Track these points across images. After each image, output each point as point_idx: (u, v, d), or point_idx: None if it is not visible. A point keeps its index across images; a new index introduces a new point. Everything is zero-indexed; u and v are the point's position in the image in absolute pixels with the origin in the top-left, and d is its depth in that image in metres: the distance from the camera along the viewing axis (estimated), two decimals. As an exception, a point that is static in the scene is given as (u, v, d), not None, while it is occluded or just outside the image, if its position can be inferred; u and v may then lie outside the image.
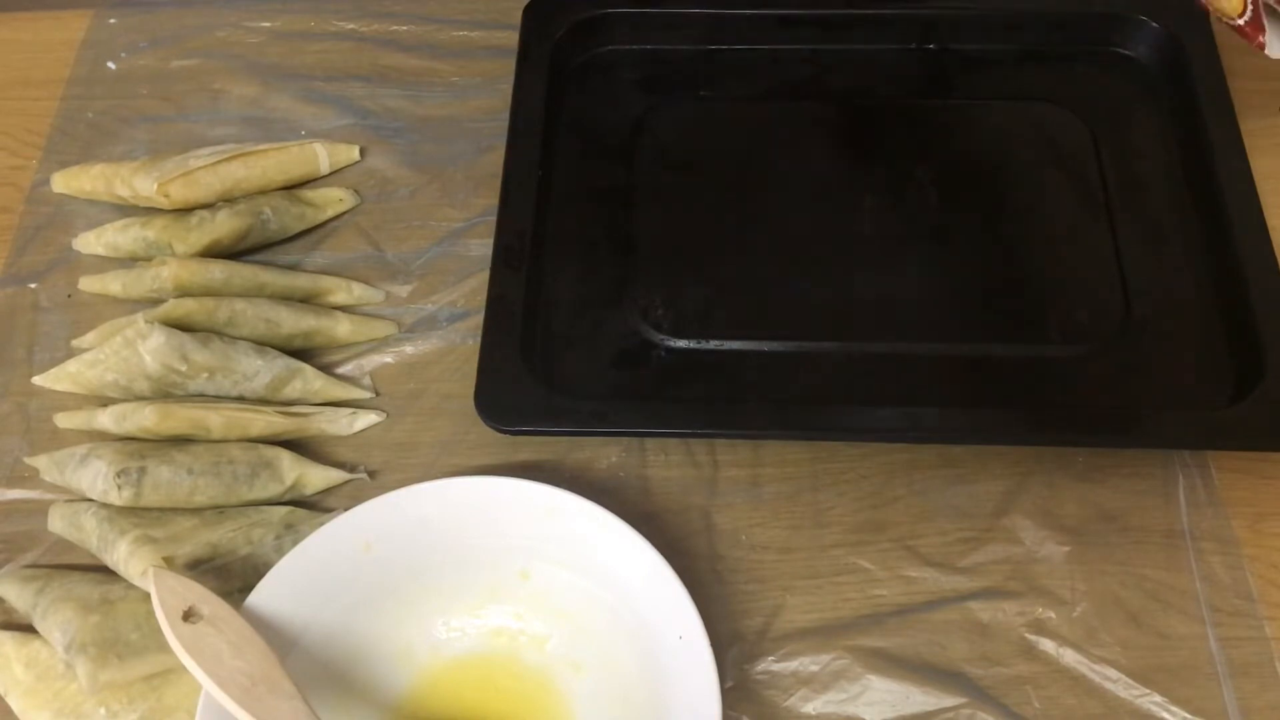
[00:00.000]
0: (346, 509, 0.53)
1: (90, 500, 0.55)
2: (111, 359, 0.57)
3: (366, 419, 0.59)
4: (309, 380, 0.59)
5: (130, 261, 0.64)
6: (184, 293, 0.60)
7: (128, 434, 0.57)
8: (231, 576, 0.53)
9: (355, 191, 0.67)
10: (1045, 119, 0.67)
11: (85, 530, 0.54)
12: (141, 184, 0.63)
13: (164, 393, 0.58)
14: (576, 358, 0.59)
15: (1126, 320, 0.59)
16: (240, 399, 0.58)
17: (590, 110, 0.69)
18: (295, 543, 0.52)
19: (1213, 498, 0.55)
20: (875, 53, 0.70)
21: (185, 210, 0.63)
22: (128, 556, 0.52)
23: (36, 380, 0.60)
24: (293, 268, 0.64)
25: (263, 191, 0.65)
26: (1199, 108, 0.64)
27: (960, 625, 0.52)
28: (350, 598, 0.52)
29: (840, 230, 0.63)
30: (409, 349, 0.62)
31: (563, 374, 0.58)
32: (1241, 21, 0.56)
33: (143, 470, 0.54)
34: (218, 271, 0.61)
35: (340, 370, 0.61)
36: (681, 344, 0.59)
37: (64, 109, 0.71)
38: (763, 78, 0.70)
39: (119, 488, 0.53)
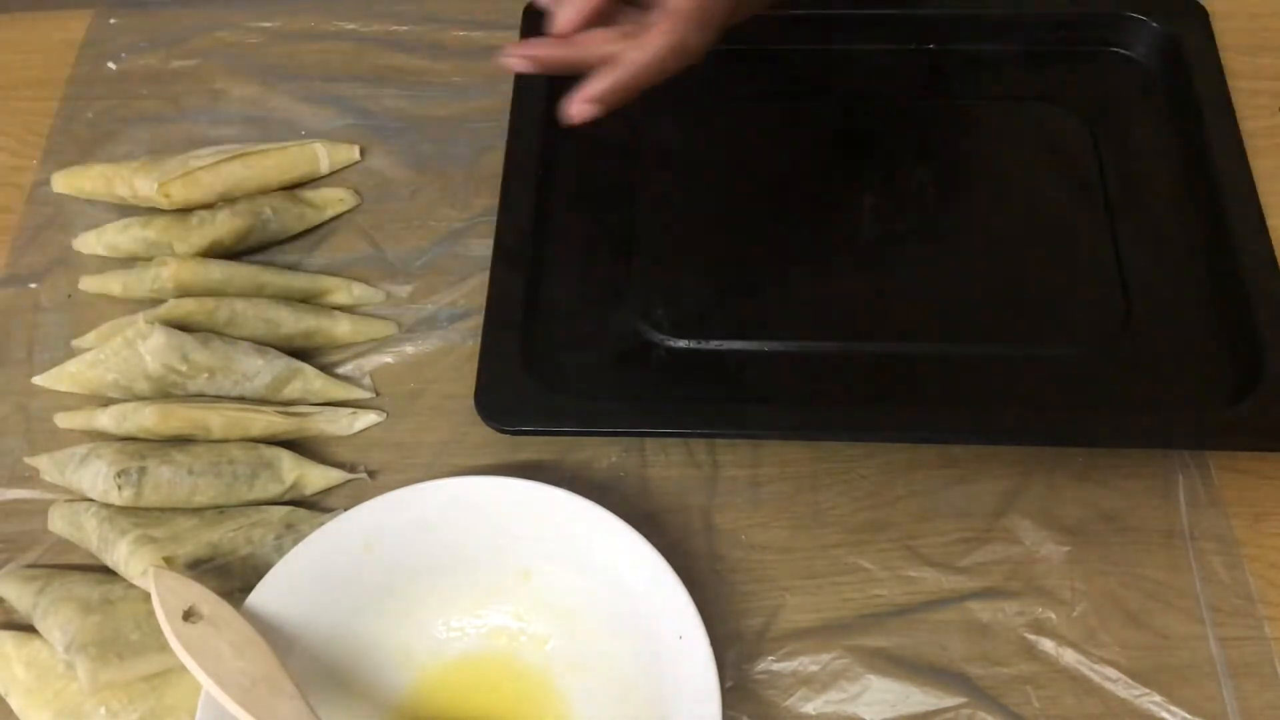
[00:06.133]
0: (346, 509, 0.53)
1: (90, 500, 0.55)
2: (112, 359, 0.57)
3: (366, 419, 0.59)
4: (309, 380, 0.59)
5: (130, 261, 0.64)
6: (184, 293, 0.60)
7: (128, 434, 0.57)
8: (231, 576, 0.53)
9: (355, 191, 0.67)
10: (1045, 119, 0.67)
11: (85, 530, 0.54)
12: (142, 184, 0.63)
13: (164, 393, 0.58)
14: (577, 358, 0.59)
15: (1126, 320, 0.59)
16: (240, 399, 0.58)
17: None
18: (295, 543, 0.52)
19: (1212, 497, 0.55)
20: (875, 53, 0.70)
21: (185, 210, 0.63)
22: (128, 556, 0.52)
23: (36, 380, 0.60)
24: (293, 268, 0.64)
25: (263, 191, 0.65)
26: (1199, 108, 0.64)
27: (960, 625, 0.52)
28: (350, 598, 0.52)
29: (840, 230, 0.63)
30: (409, 349, 0.62)
31: (563, 374, 0.58)
32: None
33: (143, 470, 0.54)
34: (218, 272, 0.61)
35: (340, 370, 0.61)
36: (681, 344, 0.59)
37: (64, 109, 0.71)
38: (763, 78, 0.70)
39: (119, 488, 0.53)
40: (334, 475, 0.57)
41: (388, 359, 0.61)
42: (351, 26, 0.74)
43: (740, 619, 0.53)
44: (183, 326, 0.57)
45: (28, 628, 0.53)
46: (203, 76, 0.72)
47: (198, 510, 0.55)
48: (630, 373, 0.59)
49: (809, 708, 0.51)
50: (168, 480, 0.54)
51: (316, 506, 0.57)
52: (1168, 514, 0.55)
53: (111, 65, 0.73)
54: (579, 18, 0.52)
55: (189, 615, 0.48)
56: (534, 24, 0.69)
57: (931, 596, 0.53)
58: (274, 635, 0.49)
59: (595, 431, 0.57)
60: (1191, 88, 0.65)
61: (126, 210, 0.65)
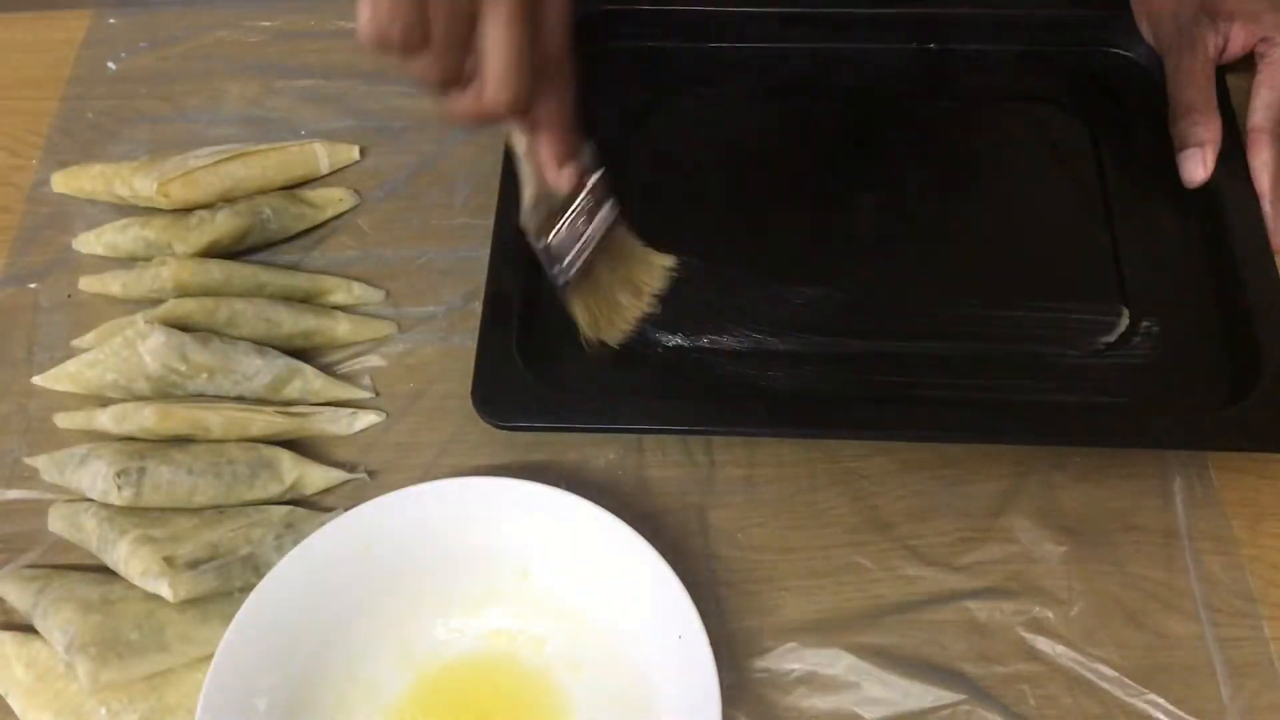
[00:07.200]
0: (346, 509, 0.53)
1: (90, 500, 0.55)
2: (111, 359, 0.57)
3: (366, 419, 0.59)
4: (309, 380, 0.59)
5: (130, 261, 0.64)
6: (184, 293, 0.60)
7: (128, 434, 0.57)
8: (231, 576, 0.53)
9: (355, 191, 0.67)
10: (1045, 119, 0.67)
11: (85, 530, 0.54)
12: (141, 184, 0.63)
13: (164, 393, 0.58)
14: (575, 355, 0.59)
15: (1126, 320, 0.59)
16: (240, 399, 0.58)
17: (590, 109, 0.68)
18: (295, 543, 0.52)
19: (1211, 498, 0.55)
20: (875, 52, 0.70)
21: (185, 210, 0.64)
22: (128, 556, 0.52)
23: (36, 380, 0.60)
24: (293, 268, 0.64)
25: (263, 191, 0.65)
26: (1198, 107, 0.64)
27: (958, 624, 0.53)
28: (350, 598, 0.52)
29: (839, 230, 0.63)
30: (409, 349, 0.62)
31: (561, 371, 0.58)
32: None
33: (143, 470, 0.54)
34: (217, 271, 0.61)
35: (340, 370, 0.61)
36: (679, 341, 0.59)
37: (64, 109, 0.71)
38: (763, 77, 0.70)
39: (119, 488, 0.54)
40: (334, 475, 0.57)
41: (388, 359, 0.61)
42: (351, 26, 0.74)
43: (739, 618, 0.53)
44: (182, 326, 0.57)
45: (28, 628, 0.53)
46: (203, 76, 0.72)
47: (198, 510, 0.55)
48: (629, 370, 0.59)
49: (808, 706, 0.51)
50: (167, 480, 0.54)
51: (316, 506, 0.57)
52: (1166, 514, 0.55)
53: (111, 65, 0.73)
54: None
55: None
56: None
57: (930, 596, 0.53)
58: (274, 635, 0.50)
59: (593, 428, 0.57)
60: (1191, 87, 0.65)
61: (126, 210, 0.65)
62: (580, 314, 0.56)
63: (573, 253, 0.54)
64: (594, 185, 0.54)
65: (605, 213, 0.55)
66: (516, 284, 0.60)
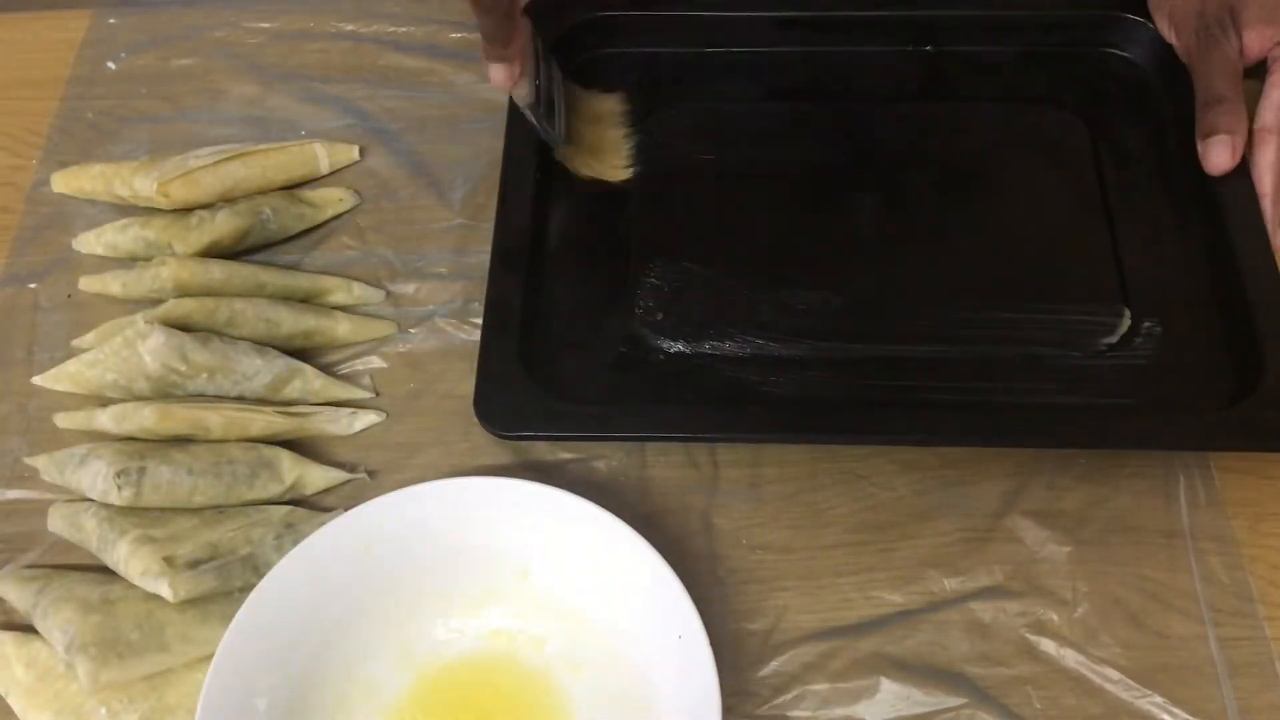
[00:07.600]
0: (346, 509, 0.53)
1: (90, 500, 0.55)
2: (111, 359, 0.57)
3: (366, 419, 0.59)
4: (309, 380, 0.59)
5: (130, 261, 0.64)
6: (184, 293, 0.60)
7: (128, 434, 0.57)
8: (231, 576, 0.52)
9: (355, 191, 0.67)
10: (1045, 119, 0.67)
11: (85, 530, 0.54)
12: (141, 184, 0.63)
13: (164, 393, 0.58)
14: (576, 361, 0.59)
15: (1126, 321, 0.59)
16: (240, 399, 0.58)
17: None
18: (295, 543, 0.52)
19: (1213, 498, 0.55)
20: (874, 54, 0.70)
21: (185, 210, 0.63)
22: (128, 556, 0.52)
23: (36, 380, 0.60)
24: (293, 268, 0.64)
25: (262, 191, 0.65)
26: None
27: (961, 626, 0.52)
28: (350, 598, 0.52)
29: (839, 232, 0.63)
30: (409, 349, 0.61)
31: (562, 377, 0.58)
32: None
33: (142, 470, 0.54)
34: (217, 271, 0.61)
35: (340, 370, 0.61)
36: (681, 347, 0.59)
37: (64, 109, 0.71)
38: (761, 80, 0.70)
39: (119, 488, 0.53)
40: (334, 475, 0.57)
41: (388, 359, 0.61)
42: (350, 27, 0.75)
43: (740, 619, 0.53)
44: (182, 326, 0.57)
45: (28, 628, 0.53)
46: (203, 76, 0.72)
47: (197, 510, 0.55)
48: (630, 376, 0.59)
49: (808, 708, 0.51)
50: (167, 480, 0.54)
51: (316, 506, 0.57)
52: (1169, 515, 0.55)
53: (111, 65, 0.73)
54: None
55: None
56: (533, 26, 0.69)
57: (932, 597, 0.53)
58: (274, 635, 0.49)
59: (595, 437, 0.57)
60: (1189, 89, 0.65)
61: (126, 210, 0.65)
62: (586, 164, 0.64)
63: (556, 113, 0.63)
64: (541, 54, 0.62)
65: (556, 73, 0.64)
66: (517, 289, 0.59)
